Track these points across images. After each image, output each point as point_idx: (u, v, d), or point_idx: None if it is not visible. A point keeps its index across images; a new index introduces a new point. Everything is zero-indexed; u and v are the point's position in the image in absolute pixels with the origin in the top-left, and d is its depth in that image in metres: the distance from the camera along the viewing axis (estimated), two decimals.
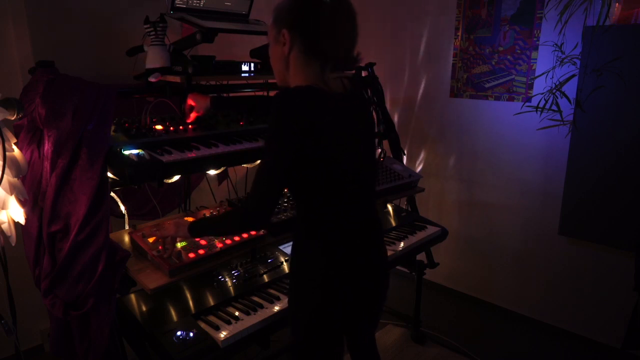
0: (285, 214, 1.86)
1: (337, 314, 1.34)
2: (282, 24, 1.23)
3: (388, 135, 2.65)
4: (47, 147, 1.47)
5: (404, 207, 2.69)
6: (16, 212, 1.37)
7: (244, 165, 2.29)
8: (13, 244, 1.38)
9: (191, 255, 1.56)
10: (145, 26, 1.74)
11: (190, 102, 1.76)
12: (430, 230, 2.41)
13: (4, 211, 1.34)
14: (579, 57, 2.22)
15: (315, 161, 1.20)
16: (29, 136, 1.54)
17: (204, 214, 1.86)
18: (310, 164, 1.20)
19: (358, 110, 1.33)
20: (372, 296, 1.43)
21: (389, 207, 2.63)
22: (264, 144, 1.20)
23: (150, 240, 1.63)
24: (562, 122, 2.26)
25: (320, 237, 1.29)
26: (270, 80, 2.20)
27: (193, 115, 1.78)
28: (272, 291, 1.74)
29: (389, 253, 2.08)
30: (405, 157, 3.17)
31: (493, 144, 2.88)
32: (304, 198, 1.29)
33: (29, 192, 1.49)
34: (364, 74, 2.61)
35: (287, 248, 2.00)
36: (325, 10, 1.17)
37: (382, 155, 2.68)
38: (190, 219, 1.81)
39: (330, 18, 1.18)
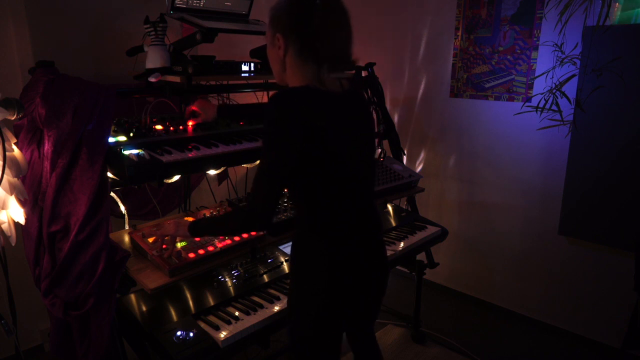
0: (285, 214, 1.86)
1: (342, 313, 1.34)
2: (276, 28, 1.25)
3: (388, 135, 2.65)
4: (47, 147, 1.47)
5: (404, 207, 2.69)
6: (16, 212, 1.37)
7: (244, 165, 2.29)
8: (13, 244, 1.38)
9: (191, 255, 1.56)
10: (145, 26, 1.74)
11: (196, 109, 1.79)
12: (430, 230, 2.41)
13: (4, 211, 1.34)
14: (579, 57, 2.22)
15: (312, 160, 1.20)
16: (29, 136, 1.54)
17: (204, 214, 1.86)
18: (306, 164, 1.20)
19: (356, 110, 1.33)
20: (374, 294, 1.44)
21: (389, 207, 2.63)
22: (262, 145, 1.21)
23: (150, 240, 1.63)
24: (562, 122, 2.26)
25: (321, 237, 1.29)
26: (270, 80, 2.20)
27: (195, 121, 1.81)
28: (272, 291, 1.74)
29: (389, 253, 2.08)
30: (405, 157, 3.17)
31: (493, 144, 2.88)
32: (302, 198, 1.29)
33: (29, 192, 1.49)
34: (364, 74, 2.61)
35: (287, 248, 2.00)
36: (317, 13, 1.18)
37: (382, 155, 2.68)
38: (190, 219, 1.82)
39: (323, 20, 1.19)
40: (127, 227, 1.89)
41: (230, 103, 2.12)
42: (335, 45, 1.22)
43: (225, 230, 1.44)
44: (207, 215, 1.85)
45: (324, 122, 1.19)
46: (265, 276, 1.81)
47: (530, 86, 2.66)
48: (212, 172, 2.09)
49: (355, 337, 1.61)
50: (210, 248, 1.63)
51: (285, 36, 1.23)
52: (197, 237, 1.54)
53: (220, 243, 1.67)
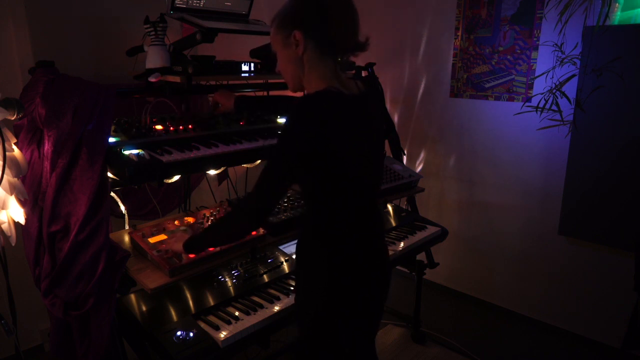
0: (285, 214, 1.86)
1: (341, 313, 1.34)
2: (291, 25, 1.23)
3: (388, 135, 2.65)
4: (47, 147, 1.47)
5: (404, 207, 2.69)
6: (16, 212, 1.37)
7: (244, 165, 2.29)
8: (13, 244, 1.38)
9: (191, 255, 1.56)
10: (145, 26, 1.74)
11: (217, 99, 1.88)
12: (430, 230, 2.41)
13: (4, 211, 1.34)
14: (579, 57, 2.22)
15: (324, 164, 1.20)
16: (29, 136, 1.54)
17: (204, 214, 1.86)
18: (318, 166, 1.20)
19: (371, 112, 1.33)
20: (374, 295, 1.43)
21: (389, 207, 2.63)
22: (276, 143, 1.20)
23: (151, 240, 1.63)
24: (562, 122, 2.26)
25: (324, 236, 1.29)
26: (270, 80, 2.20)
27: (217, 111, 1.92)
28: (272, 291, 1.74)
29: (389, 253, 2.08)
30: (405, 157, 3.17)
31: (493, 144, 2.88)
32: (311, 197, 1.29)
33: (29, 192, 1.49)
34: (364, 73, 2.61)
35: (287, 248, 2.00)
36: (329, 2, 1.20)
37: None
38: (191, 219, 1.82)
39: (334, 8, 1.20)
40: (127, 227, 1.89)
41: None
42: (349, 30, 1.23)
43: (221, 233, 1.39)
44: (207, 215, 1.86)
45: (341, 126, 1.19)
46: (265, 276, 1.81)
47: (530, 86, 2.66)
48: (212, 172, 2.09)
49: (354, 337, 1.61)
50: (210, 248, 1.63)
51: (303, 31, 1.22)
52: (193, 253, 1.51)
53: None
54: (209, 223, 1.80)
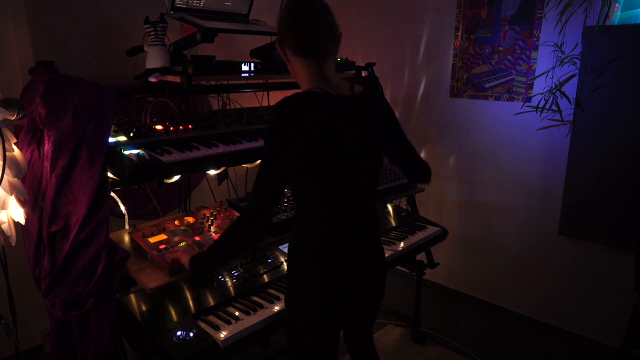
0: (285, 214, 1.86)
1: (334, 314, 1.34)
2: (277, 42, 1.32)
3: None
4: (47, 147, 1.47)
5: (404, 207, 2.69)
6: (16, 212, 1.37)
7: (244, 165, 2.29)
8: (13, 244, 1.38)
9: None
10: (145, 26, 1.74)
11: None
12: (430, 230, 2.41)
13: (4, 211, 1.34)
14: (579, 57, 2.22)
15: (310, 162, 1.21)
16: (29, 136, 1.54)
17: (204, 214, 1.86)
18: (304, 165, 1.21)
19: (363, 113, 1.32)
20: (368, 295, 1.43)
21: (389, 207, 2.63)
22: (263, 148, 1.26)
23: (151, 240, 1.63)
24: (562, 122, 2.26)
25: (317, 237, 1.29)
26: (270, 80, 2.20)
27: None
28: (272, 291, 1.74)
29: (389, 253, 2.08)
30: None
31: (493, 144, 2.88)
32: (300, 198, 1.30)
33: (29, 192, 1.49)
34: (364, 73, 2.61)
35: (287, 248, 1.99)
36: (284, 13, 1.26)
37: None
38: (191, 219, 1.82)
39: (298, 18, 1.24)
40: (127, 227, 1.89)
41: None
42: (315, 37, 1.24)
43: (228, 244, 1.38)
44: (207, 215, 1.86)
45: (323, 125, 1.20)
46: (265, 276, 1.81)
47: (530, 86, 2.66)
48: (212, 172, 2.09)
49: (350, 338, 1.61)
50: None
51: (280, 45, 1.30)
52: (198, 270, 1.45)
53: None
54: (209, 223, 1.80)
